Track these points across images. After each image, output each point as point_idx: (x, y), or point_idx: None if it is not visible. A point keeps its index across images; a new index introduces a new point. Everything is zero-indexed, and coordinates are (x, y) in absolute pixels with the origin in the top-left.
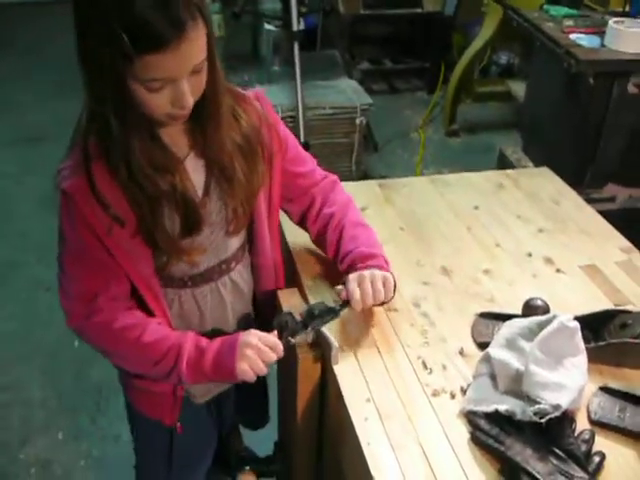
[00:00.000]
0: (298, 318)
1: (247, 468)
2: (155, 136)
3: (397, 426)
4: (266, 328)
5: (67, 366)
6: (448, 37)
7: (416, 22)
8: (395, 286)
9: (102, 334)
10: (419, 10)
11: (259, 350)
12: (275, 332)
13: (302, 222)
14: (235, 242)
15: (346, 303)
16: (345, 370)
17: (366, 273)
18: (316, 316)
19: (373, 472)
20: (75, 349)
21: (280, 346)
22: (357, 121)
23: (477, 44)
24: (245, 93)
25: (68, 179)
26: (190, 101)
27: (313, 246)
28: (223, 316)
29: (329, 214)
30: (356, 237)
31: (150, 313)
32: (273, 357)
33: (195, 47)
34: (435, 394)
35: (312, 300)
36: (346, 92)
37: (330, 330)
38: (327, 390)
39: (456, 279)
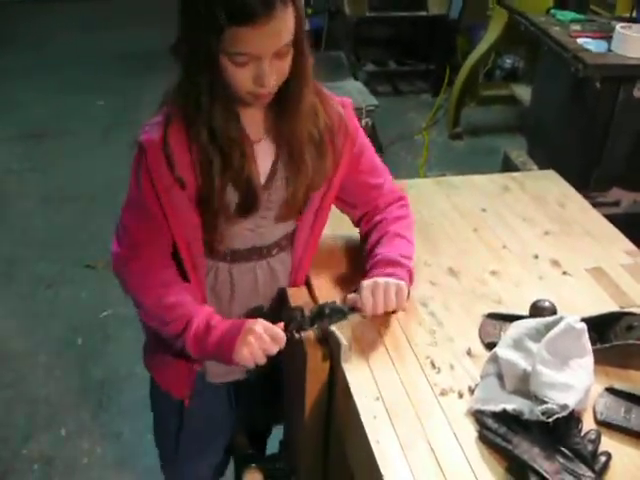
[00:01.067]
0: (307, 314)
1: (253, 466)
2: (235, 114)
3: (406, 424)
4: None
5: (70, 363)
6: (452, 40)
7: (421, 25)
8: (408, 296)
9: (134, 282)
10: (424, 13)
11: (261, 339)
12: (282, 324)
13: (358, 223)
14: (281, 230)
15: (357, 308)
16: (354, 368)
17: (381, 281)
18: (325, 315)
19: (382, 470)
20: (78, 346)
21: (283, 339)
22: (362, 122)
23: (482, 47)
24: (332, 95)
25: (145, 134)
26: (271, 81)
27: (329, 249)
28: (253, 298)
29: (380, 219)
30: (394, 245)
31: (186, 278)
32: (274, 349)
33: (282, 28)
34: (443, 393)
35: (321, 301)
36: (352, 93)
37: (339, 328)
38: (335, 388)
39: (463, 280)
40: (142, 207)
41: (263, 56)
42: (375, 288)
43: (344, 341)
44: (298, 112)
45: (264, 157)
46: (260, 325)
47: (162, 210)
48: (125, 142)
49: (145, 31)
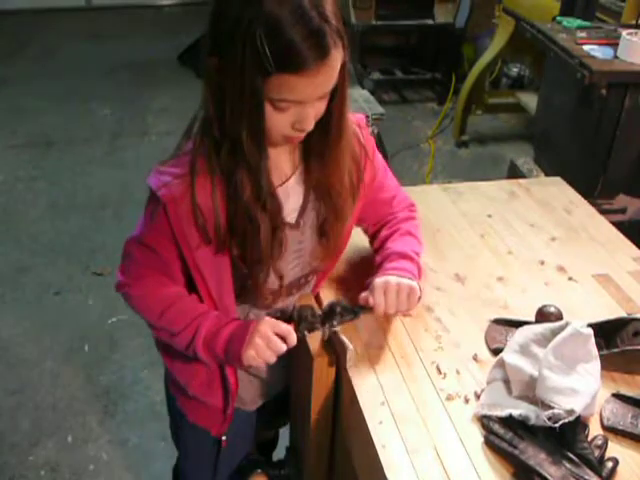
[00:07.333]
0: (318, 312)
1: (259, 471)
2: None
3: (412, 430)
4: None
5: (77, 370)
6: (459, 49)
7: (427, 33)
8: (420, 298)
9: (137, 303)
10: (430, 22)
11: (269, 339)
12: (293, 324)
13: (367, 228)
14: None
15: (368, 308)
16: (360, 373)
17: (393, 281)
18: (337, 313)
19: (388, 475)
20: (85, 353)
21: (293, 335)
22: (369, 131)
23: (488, 56)
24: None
25: (167, 187)
26: (311, 125)
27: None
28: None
29: (391, 219)
30: (405, 241)
31: None
32: (282, 347)
33: (331, 74)
34: (449, 398)
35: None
36: (358, 102)
37: (345, 333)
38: (341, 394)
39: (469, 285)
40: (156, 253)
41: (308, 102)
42: (387, 288)
43: (350, 346)
44: (340, 153)
45: (293, 195)
46: (267, 325)
47: (180, 261)
48: (131, 150)
49: (150, 41)
